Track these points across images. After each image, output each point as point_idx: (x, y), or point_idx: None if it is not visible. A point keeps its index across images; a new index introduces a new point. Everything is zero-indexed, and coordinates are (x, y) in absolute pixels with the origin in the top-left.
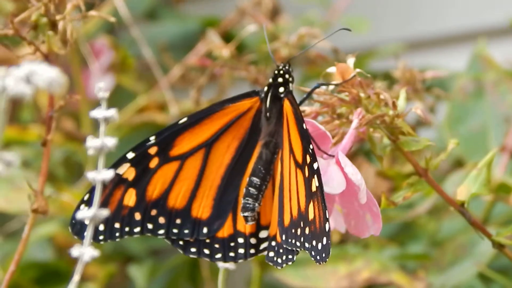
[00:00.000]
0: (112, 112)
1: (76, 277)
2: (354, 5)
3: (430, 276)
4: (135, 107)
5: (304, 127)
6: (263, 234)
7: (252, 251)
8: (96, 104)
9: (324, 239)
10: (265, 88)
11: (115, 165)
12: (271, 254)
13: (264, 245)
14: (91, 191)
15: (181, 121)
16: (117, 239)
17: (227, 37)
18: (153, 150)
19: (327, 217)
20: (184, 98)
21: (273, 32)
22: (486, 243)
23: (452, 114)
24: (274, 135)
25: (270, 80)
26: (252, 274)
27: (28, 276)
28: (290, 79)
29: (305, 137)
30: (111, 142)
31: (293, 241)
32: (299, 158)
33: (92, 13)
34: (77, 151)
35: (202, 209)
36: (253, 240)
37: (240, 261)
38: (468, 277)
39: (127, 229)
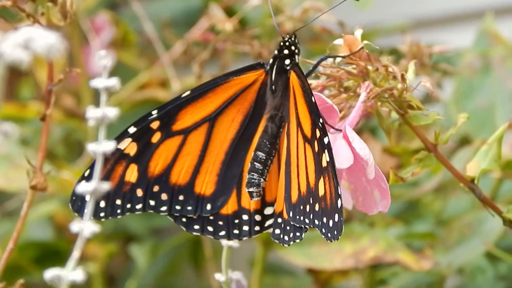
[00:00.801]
0: (113, 81)
1: (76, 253)
2: None
3: (436, 255)
4: (136, 84)
5: (313, 100)
6: (268, 210)
7: (257, 228)
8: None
9: (336, 216)
10: (271, 60)
11: (116, 140)
12: (277, 231)
13: (269, 222)
14: (92, 166)
15: (184, 95)
16: (119, 216)
17: (229, 12)
18: (155, 125)
19: (339, 193)
20: (186, 75)
21: (276, 6)
22: (493, 222)
23: (459, 90)
24: (280, 109)
25: (276, 52)
26: (256, 253)
27: (28, 255)
28: (296, 51)
29: (314, 111)
30: (112, 112)
31: (302, 218)
32: (308, 132)
33: None
34: (77, 129)
35: (206, 185)
36: (258, 217)
37: (244, 238)
38: (475, 256)
39: (128, 205)
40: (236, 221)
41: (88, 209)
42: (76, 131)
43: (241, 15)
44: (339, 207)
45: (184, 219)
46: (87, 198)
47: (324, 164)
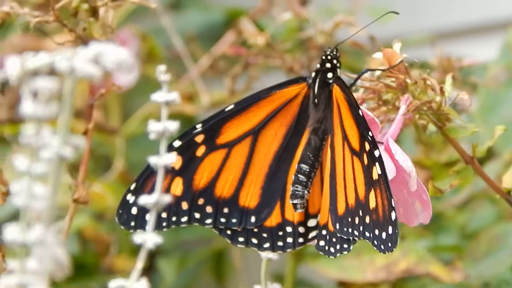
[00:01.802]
0: (174, 96)
1: (139, 264)
2: None
3: (465, 267)
4: None
5: (360, 113)
6: (311, 222)
7: (301, 240)
8: (123, 95)
9: (390, 228)
10: (313, 74)
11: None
12: (322, 243)
13: (312, 234)
14: (138, 180)
15: (227, 108)
16: (164, 229)
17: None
18: (199, 138)
19: (393, 205)
20: (212, 88)
21: (306, 20)
22: None
23: (485, 103)
24: (323, 121)
25: (318, 65)
26: (285, 267)
27: None
28: (338, 64)
29: (362, 124)
30: (173, 126)
31: (350, 230)
32: (356, 145)
33: None
34: (104, 143)
35: (250, 197)
36: (301, 229)
37: (288, 250)
38: (503, 268)
39: (174, 218)
40: (280, 233)
41: (152, 221)
42: (103, 145)
43: (272, 29)
44: (393, 219)
45: (229, 232)
46: (134, 211)
47: (375, 177)
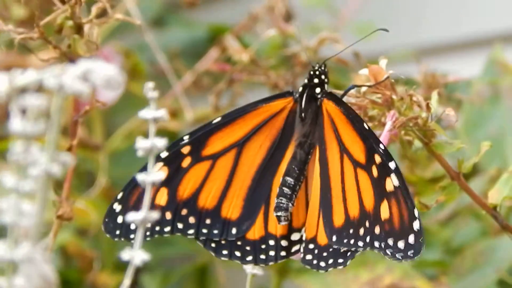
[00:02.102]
0: (162, 113)
1: (126, 281)
2: (362, 11)
3: (450, 282)
4: None
5: (366, 126)
6: (295, 236)
7: (283, 253)
8: (106, 111)
9: (411, 237)
10: (300, 89)
11: None
12: (309, 257)
13: (295, 247)
14: (125, 189)
15: (214, 121)
16: (148, 238)
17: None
18: (186, 150)
19: (415, 215)
20: (196, 105)
21: (291, 37)
22: (506, 250)
23: (469, 119)
24: (309, 136)
25: (306, 80)
26: (270, 282)
27: None
28: (326, 80)
29: (369, 137)
30: (161, 143)
31: (352, 241)
32: (360, 158)
33: (118, 15)
34: (87, 159)
35: (232, 209)
36: (284, 243)
37: (270, 263)
38: (488, 283)
39: (157, 228)
40: (263, 246)
41: (138, 238)
42: (86, 161)
43: (256, 46)
44: (415, 229)
45: (213, 244)
46: (119, 220)
47: (389, 188)
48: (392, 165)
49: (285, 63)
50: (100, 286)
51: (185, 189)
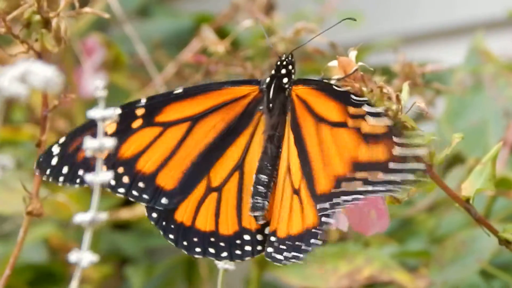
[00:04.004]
0: (110, 112)
1: (74, 283)
2: (348, 0)
3: (431, 273)
4: None
5: (337, 88)
6: (268, 230)
7: (259, 247)
8: (89, 103)
9: (404, 166)
10: (267, 80)
11: None
12: (270, 249)
13: None
14: (68, 135)
15: (176, 91)
16: (76, 185)
17: (221, 33)
18: (140, 112)
19: (396, 133)
20: None
21: (268, 28)
22: (487, 240)
23: (451, 109)
24: (277, 128)
25: (273, 71)
26: (251, 274)
27: (23, 278)
28: (293, 70)
29: (342, 95)
30: (109, 142)
31: (349, 197)
32: (338, 118)
33: (86, 9)
34: None
35: (168, 179)
36: (259, 237)
37: (247, 258)
38: (469, 273)
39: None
40: (238, 241)
41: (86, 240)
42: None
43: (233, 37)
44: (403, 157)
45: (185, 243)
46: (53, 162)
47: (367, 129)
48: (366, 108)
49: (265, 54)
50: (84, 278)
51: (128, 149)
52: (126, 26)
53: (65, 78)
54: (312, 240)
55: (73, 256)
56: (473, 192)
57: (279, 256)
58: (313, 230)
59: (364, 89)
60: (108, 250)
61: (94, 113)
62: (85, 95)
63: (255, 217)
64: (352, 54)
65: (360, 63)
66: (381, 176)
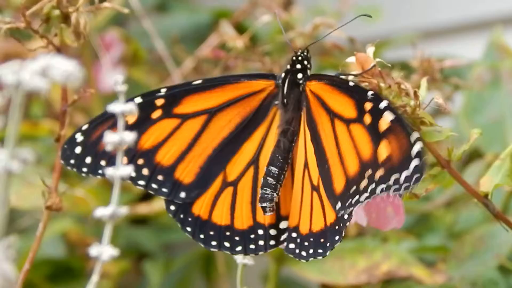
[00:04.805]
0: (130, 106)
1: (94, 277)
2: None
3: (449, 268)
4: None
5: (351, 83)
6: (283, 224)
7: (272, 242)
8: (107, 98)
9: (414, 162)
10: (282, 75)
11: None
12: (292, 245)
13: (284, 236)
14: (91, 122)
15: (195, 82)
16: (98, 176)
17: (239, 29)
18: (159, 102)
19: (412, 142)
20: None
21: (286, 23)
22: (505, 235)
23: (469, 104)
24: (292, 123)
25: (288, 66)
26: (269, 269)
27: (41, 272)
28: (309, 65)
29: (357, 90)
30: (129, 137)
31: (355, 198)
32: (352, 114)
33: (105, 4)
34: None
35: (186, 173)
36: (273, 232)
37: (260, 253)
38: (487, 269)
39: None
40: (252, 236)
41: (106, 235)
42: None
43: (251, 32)
44: (413, 154)
45: (202, 236)
46: (77, 150)
47: (385, 126)
48: (383, 104)
49: (284, 49)
50: (102, 274)
51: (147, 140)
52: (144, 21)
53: (84, 73)
54: (335, 237)
55: (93, 250)
56: (491, 187)
57: (303, 253)
58: (336, 227)
59: (382, 85)
60: (126, 245)
61: (114, 108)
62: (104, 90)
63: (263, 208)
64: (370, 50)
65: (377, 59)
66: (395, 174)
